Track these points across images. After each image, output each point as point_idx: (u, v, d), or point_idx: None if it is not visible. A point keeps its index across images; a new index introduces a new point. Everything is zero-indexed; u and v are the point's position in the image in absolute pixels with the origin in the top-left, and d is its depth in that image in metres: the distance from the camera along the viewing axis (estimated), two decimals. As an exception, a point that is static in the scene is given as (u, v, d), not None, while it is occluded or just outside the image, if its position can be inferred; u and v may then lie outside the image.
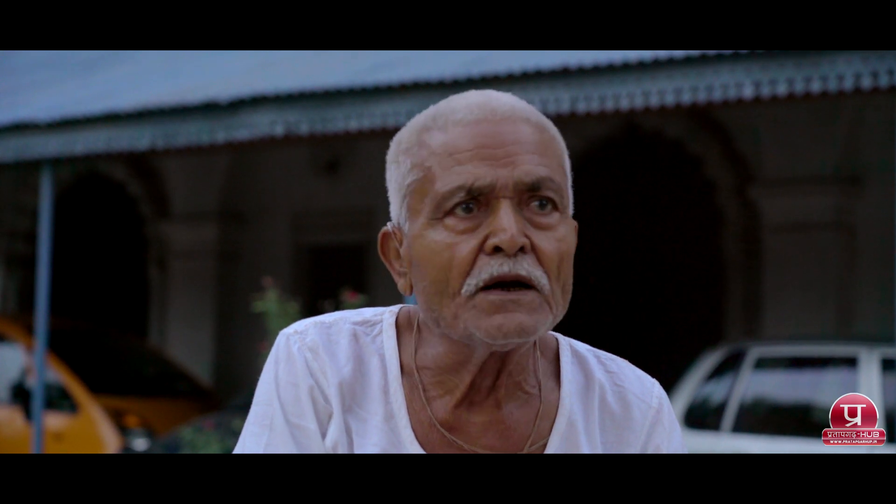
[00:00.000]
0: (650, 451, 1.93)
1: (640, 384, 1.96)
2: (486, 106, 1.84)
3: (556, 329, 1.97)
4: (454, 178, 1.80)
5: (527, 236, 1.79)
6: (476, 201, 1.79)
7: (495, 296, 1.77)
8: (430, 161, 1.82)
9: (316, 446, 1.85)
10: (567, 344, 1.96)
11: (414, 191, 1.83)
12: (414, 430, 1.85)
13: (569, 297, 1.85)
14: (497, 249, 1.78)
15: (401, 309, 1.93)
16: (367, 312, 1.93)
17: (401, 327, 1.91)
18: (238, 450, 1.89)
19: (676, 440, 1.95)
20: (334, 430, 1.85)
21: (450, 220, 1.80)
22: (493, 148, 1.80)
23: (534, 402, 1.89)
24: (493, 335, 1.77)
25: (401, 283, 1.88)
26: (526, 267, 1.78)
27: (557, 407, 1.90)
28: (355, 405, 1.86)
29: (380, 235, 1.91)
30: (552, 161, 1.83)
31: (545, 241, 1.79)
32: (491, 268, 1.78)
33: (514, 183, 1.79)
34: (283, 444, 1.85)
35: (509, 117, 1.83)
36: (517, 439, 1.87)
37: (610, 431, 1.92)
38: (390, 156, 1.88)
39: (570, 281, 1.84)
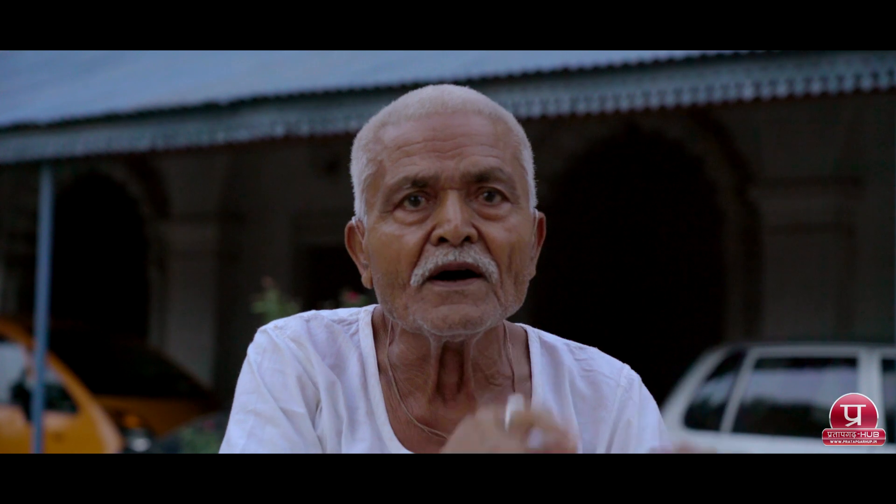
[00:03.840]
0: (621, 426, 1.93)
1: (609, 366, 1.97)
2: (437, 100, 1.85)
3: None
4: (401, 170, 1.81)
5: (475, 227, 1.79)
6: (424, 193, 1.81)
7: (441, 287, 1.78)
8: (381, 155, 1.84)
9: (306, 430, 1.85)
10: (536, 335, 1.98)
11: (369, 185, 1.86)
12: (392, 427, 1.87)
13: (524, 288, 1.85)
14: (443, 240, 1.78)
15: (375, 308, 1.95)
16: (343, 312, 1.95)
17: (376, 326, 1.92)
18: (224, 441, 1.88)
19: (650, 416, 1.95)
20: (326, 416, 1.86)
21: (399, 213, 1.81)
22: (442, 140, 1.81)
23: (505, 393, 1.89)
24: (439, 326, 1.78)
25: (364, 277, 1.90)
26: (473, 255, 1.79)
27: (531, 396, 1.91)
28: (341, 396, 1.87)
29: (346, 230, 1.93)
30: (504, 152, 1.83)
31: (494, 230, 1.80)
32: (437, 257, 1.78)
33: (461, 174, 1.80)
34: (269, 429, 1.84)
35: (460, 110, 1.84)
36: None
37: (584, 413, 1.93)
38: (352, 151, 1.91)
39: (526, 272, 1.84)
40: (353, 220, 1.91)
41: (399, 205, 1.81)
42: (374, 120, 1.89)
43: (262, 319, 9.31)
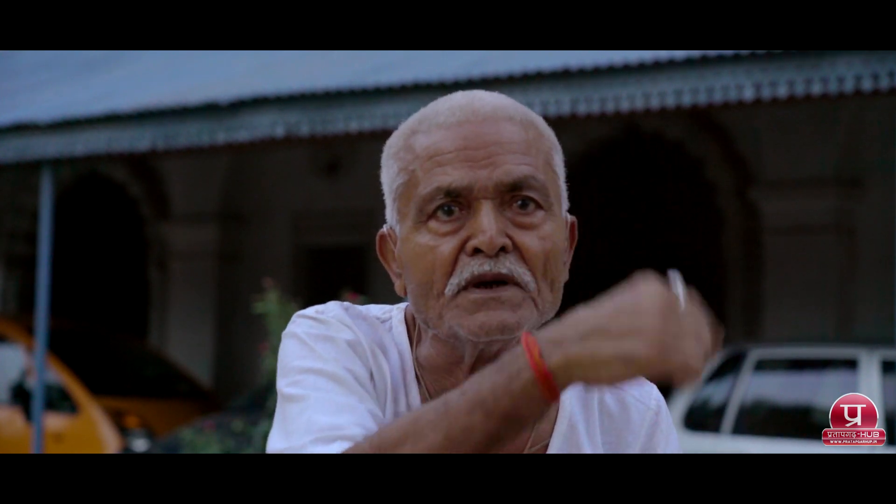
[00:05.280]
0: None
1: (639, 387, 1.96)
2: (468, 107, 1.84)
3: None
4: (434, 180, 1.80)
5: (509, 236, 1.79)
6: (457, 203, 1.80)
7: (477, 294, 1.77)
8: (413, 165, 1.83)
9: (371, 391, 1.81)
10: None
11: (401, 195, 1.85)
12: None
13: (559, 294, 1.84)
14: (478, 251, 1.78)
15: (406, 307, 1.94)
16: (375, 309, 1.94)
17: (408, 325, 1.92)
18: (283, 402, 1.81)
19: (674, 443, 1.96)
20: (379, 392, 1.84)
21: (433, 223, 1.81)
22: (474, 149, 1.80)
23: None
24: (476, 333, 1.78)
25: (397, 285, 1.89)
26: (508, 265, 1.78)
27: (557, 409, 1.90)
28: (388, 378, 1.86)
29: (377, 237, 1.92)
30: (537, 159, 1.83)
31: (529, 239, 1.79)
32: (472, 267, 1.78)
33: (495, 184, 1.79)
34: (333, 384, 1.79)
35: (491, 117, 1.83)
36: (517, 441, 1.87)
37: (609, 432, 1.93)
38: (382, 159, 1.90)
39: (561, 278, 1.84)
40: (385, 228, 1.90)
41: (432, 215, 1.81)
42: (404, 127, 1.88)
43: (263, 320, 9.31)
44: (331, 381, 1.79)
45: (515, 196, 1.80)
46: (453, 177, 1.79)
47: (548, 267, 1.80)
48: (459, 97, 1.86)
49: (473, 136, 1.81)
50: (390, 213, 1.88)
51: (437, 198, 1.80)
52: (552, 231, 1.81)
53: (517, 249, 1.79)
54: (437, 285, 1.79)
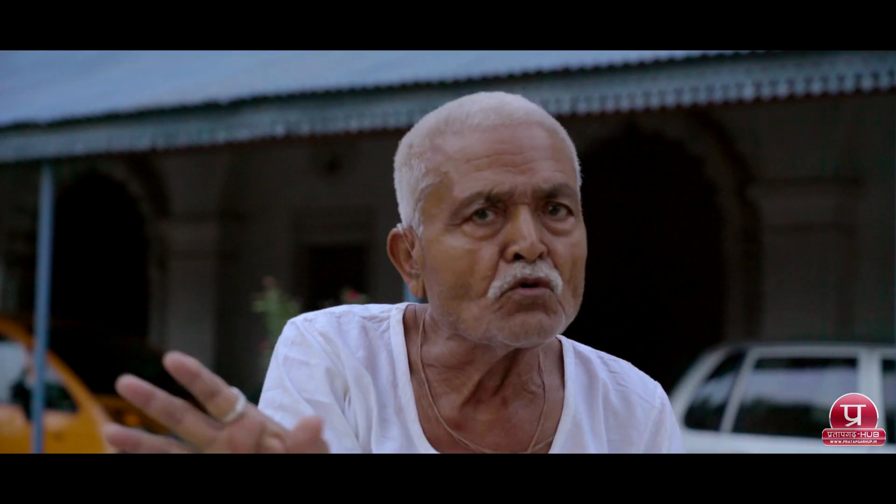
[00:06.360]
0: (655, 452, 1.94)
1: (643, 385, 1.98)
2: (501, 110, 1.84)
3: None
4: (473, 184, 1.80)
5: (544, 242, 1.80)
6: (493, 207, 1.80)
7: (520, 294, 1.78)
8: (446, 166, 1.82)
9: (335, 419, 1.84)
10: (570, 345, 1.98)
11: (429, 195, 1.83)
12: (422, 426, 1.87)
13: (580, 300, 1.86)
14: (517, 257, 1.79)
15: (407, 307, 1.94)
16: (374, 309, 1.94)
17: (408, 325, 1.92)
18: None
19: (677, 442, 1.97)
20: (357, 407, 1.86)
21: (468, 227, 1.80)
22: (511, 154, 1.81)
23: (538, 401, 1.91)
24: (517, 334, 1.78)
25: (412, 285, 1.89)
26: (545, 270, 1.79)
27: (562, 407, 1.92)
28: (372, 390, 1.87)
29: (389, 237, 1.91)
30: (566, 166, 1.84)
31: (560, 246, 1.81)
32: (514, 271, 1.78)
33: (533, 190, 1.80)
34: (293, 423, 1.82)
35: (524, 122, 1.83)
36: (522, 438, 1.88)
37: (614, 430, 1.94)
38: (400, 159, 1.88)
39: (582, 285, 1.85)
40: (400, 228, 1.90)
41: (468, 218, 1.81)
42: (427, 127, 1.87)
43: (263, 319, 9.32)
44: (293, 419, 1.82)
45: (549, 202, 1.81)
46: (494, 181, 1.79)
47: (574, 273, 1.82)
48: (489, 99, 1.86)
49: (509, 140, 1.81)
50: (410, 214, 1.86)
51: (476, 201, 1.79)
52: (580, 238, 1.84)
53: (550, 255, 1.80)
54: (477, 288, 1.79)
